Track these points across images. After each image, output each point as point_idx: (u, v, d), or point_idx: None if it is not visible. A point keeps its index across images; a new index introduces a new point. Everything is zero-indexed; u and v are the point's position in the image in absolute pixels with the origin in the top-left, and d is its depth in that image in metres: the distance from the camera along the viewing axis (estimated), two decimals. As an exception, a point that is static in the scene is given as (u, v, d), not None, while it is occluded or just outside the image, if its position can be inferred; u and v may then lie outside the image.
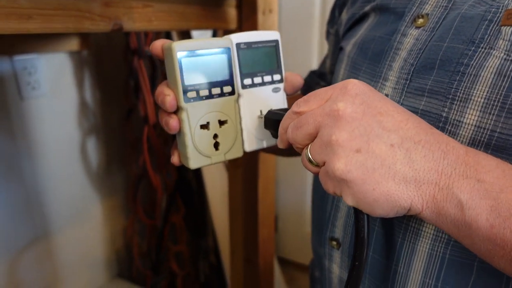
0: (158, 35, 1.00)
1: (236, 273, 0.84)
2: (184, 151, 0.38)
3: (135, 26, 0.48)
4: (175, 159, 0.40)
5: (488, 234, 0.26)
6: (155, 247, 1.10)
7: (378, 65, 0.40)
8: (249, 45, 0.39)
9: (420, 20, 0.38)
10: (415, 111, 0.35)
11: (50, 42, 0.87)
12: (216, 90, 0.37)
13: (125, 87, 1.03)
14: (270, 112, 0.39)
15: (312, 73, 0.67)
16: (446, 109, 0.33)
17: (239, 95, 0.39)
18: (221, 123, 0.39)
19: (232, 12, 0.65)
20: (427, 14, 0.37)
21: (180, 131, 0.37)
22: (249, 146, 0.41)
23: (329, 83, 0.63)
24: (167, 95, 0.36)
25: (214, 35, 0.88)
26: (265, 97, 0.41)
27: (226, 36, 0.38)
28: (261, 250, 0.78)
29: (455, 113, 0.33)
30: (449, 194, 0.27)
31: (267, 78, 0.40)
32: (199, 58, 0.36)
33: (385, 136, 0.28)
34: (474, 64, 0.32)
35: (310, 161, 0.31)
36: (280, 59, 0.41)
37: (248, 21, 0.66)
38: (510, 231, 0.25)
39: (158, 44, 0.37)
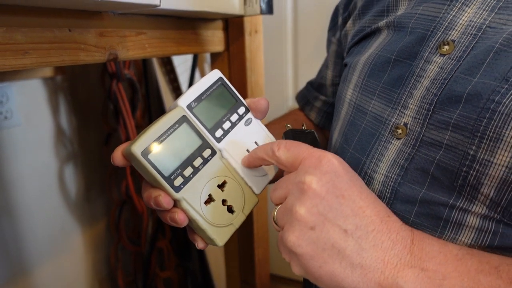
0: (135, 60, 0.98)
1: (232, 296, 0.83)
2: (204, 235, 0.36)
3: (129, 55, 0.47)
4: (200, 244, 0.37)
5: None
6: (142, 274, 1.06)
7: (396, 90, 0.38)
8: (198, 99, 0.37)
9: (446, 47, 0.35)
10: (439, 144, 0.33)
11: (22, 70, 0.83)
12: (198, 161, 0.35)
13: (104, 111, 1.00)
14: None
15: (310, 85, 0.64)
16: (473, 147, 0.31)
17: (220, 151, 0.37)
18: (221, 186, 0.37)
19: (219, 35, 0.65)
20: (453, 41, 0.35)
21: (190, 220, 0.35)
22: (258, 189, 0.40)
23: (329, 97, 0.61)
24: (158, 196, 0.33)
25: (195, 59, 0.88)
26: (244, 135, 0.39)
27: (174, 103, 0.36)
28: (257, 271, 0.77)
29: (484, 152, 0.30)
30: (393, 283, 0.28)
31: (234, 117, 0.39)
32: (163, 143, 0.33)
33: (341, 220, 0.29)
34: (507, 102, 0.29)
35: (274, 221, 0.33)
36: (234, 92, 0.39)
37: (235, 42, 0.66)
38: None
39: (117, 154, 0.34)
